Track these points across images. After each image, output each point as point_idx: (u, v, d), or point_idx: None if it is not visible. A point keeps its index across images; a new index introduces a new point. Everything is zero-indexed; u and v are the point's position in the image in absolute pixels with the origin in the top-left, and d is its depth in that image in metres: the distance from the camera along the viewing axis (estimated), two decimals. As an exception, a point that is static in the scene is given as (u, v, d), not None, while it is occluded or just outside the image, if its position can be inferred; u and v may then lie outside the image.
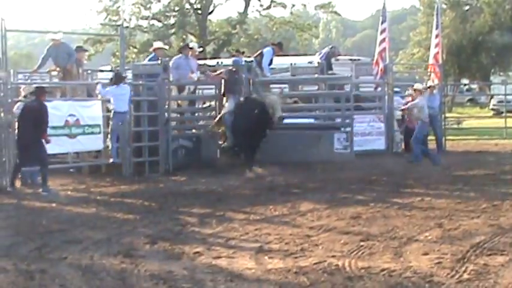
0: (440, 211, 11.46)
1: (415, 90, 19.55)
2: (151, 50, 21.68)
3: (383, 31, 22.04)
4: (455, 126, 30.08)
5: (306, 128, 19.21)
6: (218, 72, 18.70)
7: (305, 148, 18.17)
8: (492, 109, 42.32)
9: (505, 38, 53.38)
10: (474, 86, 58.96)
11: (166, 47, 27.81)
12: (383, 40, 21.91)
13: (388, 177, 15.81)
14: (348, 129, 19.03)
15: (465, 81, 56.04)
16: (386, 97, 21.43)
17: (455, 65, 52.25)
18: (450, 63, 50.09)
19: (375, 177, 15.76)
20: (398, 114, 21.45)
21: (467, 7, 58.32)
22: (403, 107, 20.41)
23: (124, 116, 16.43)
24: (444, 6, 53.80)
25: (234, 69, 17.97)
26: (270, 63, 19.86)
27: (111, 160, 16.59)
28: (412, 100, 19.83)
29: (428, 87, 21.97)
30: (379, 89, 21.70)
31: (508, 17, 54.35)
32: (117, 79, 16.45)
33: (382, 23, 22.16)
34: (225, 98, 17.79)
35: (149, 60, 19.74)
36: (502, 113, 31.59)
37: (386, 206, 12.02)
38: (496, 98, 41.46)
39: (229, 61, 19.89)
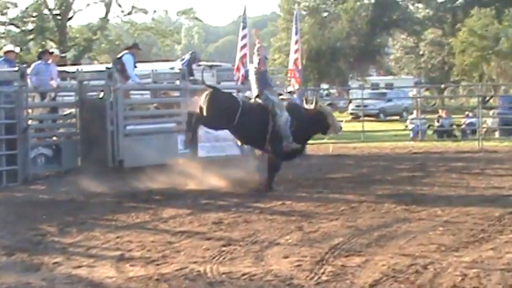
0: (301, 214, 11.66)
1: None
2: (1, 53, 21.07)
3: (244, 37, 22.20)
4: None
5: (156, 132, 19.22)
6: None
7: (156, 151, 18.18)
8: (351, 113, 43.37)
9: (362, 44, 54.99)
10: (333, 91, 60.33)
11: (17, 49, 27.01)
12: (244, 46, 22.08)
13: (248, 182, 15.90)
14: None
15: (324, 86, 57.22)
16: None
17: (314, 71, 53.27)
18: (310, 68, 51.03)
19: (237, 182, 15.80)
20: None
21: (325, 14, 59.65)
22: None
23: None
24: (303, 12, 54.89)
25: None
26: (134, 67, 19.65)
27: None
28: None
29: (289, 93, 22.41)
30: (241, 94, 21.87)
31: (364, 24, 55.97)
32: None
33: (243, 28, 22.32)
34: None
35: (-1, 63, 19.14)
36: (360, 117, 32.46)
37: (248, 211, 12.13)
38: (354, 103, 42.54)
39: (91, 67, 19.35)
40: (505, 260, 8.20)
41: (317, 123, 15.16)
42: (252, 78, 15.77)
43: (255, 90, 15.49)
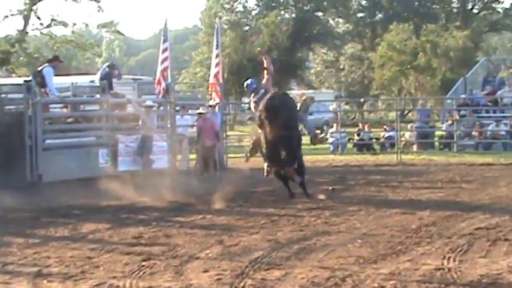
0: (221, 228, 11.69)
1: (146, 107, 20.14)
2: None
3: (165, 50, 22.11)
4: (237, 144, 30.77)
5: (77, 146, 19.09)
6: None
7: (77, 165, 18.04)
8: (272, 127, 43.53)
9: (283, 58, 55.34)
10: (255, 105, 60.52)
11: None
12: (165, 59, 21.99)
13: (170, 196, 15.86)
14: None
15: (246, 99, 57.37)
16: (169, 116, 21.61)
17: (236, 84, 53.27)
18: (231, 82, 51.13)
19: (158, 196, 15.73)
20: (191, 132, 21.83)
21: (246, 27, 59.93)
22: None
23: None
24: (225, 26, 55.04)
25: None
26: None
27: None
28: (204, 120, 20.52)
29: (210, 106, 22.46)
30: (162, 108, 21.79)
31: (285, 38, 56.39)
32: None
33: (163, 42, 22.25)
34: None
35: None
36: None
37: (168, 225, 12.09)
38: (276, 116, 42.71)
39: (9, 80, 18.98)
40: (421, 271, 8.34)
41: None
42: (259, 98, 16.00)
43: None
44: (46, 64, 19.37)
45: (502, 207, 13.29)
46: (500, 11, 65.30)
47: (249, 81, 16.77)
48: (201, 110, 21.13)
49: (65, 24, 46.21)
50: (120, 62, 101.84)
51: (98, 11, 45.94)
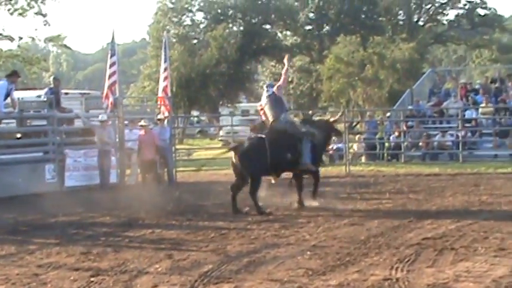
0: (171, 242, 11.65)
1: (101, 121, 20.15)
2: None
3: (112, 64, 22.04)
4: (186, 157, 30.72)
5: (24, 162, 18.95)
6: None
7: (23, 181, 17.92)
8: (221, 140, 43.63)
9: (232, 71, 55.49)
10: (203, 118, 60.56)
11: None
12: (113, 73, 21.91)
13: (120, 210, 15.78)
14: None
15: (195, 113, 57.40)
16: (117, 130, 21.53)
17: (185, 98, 53.37)
18: (180, 95, 51.11)
19: (107, 211, 15.66)
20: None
21: (195, 41, 59.98)
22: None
23: None
24: (173, 39, 55.01)
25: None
26: (7, 97, 19.16)
27: None
28: (145, 133, 20.39)
29: (158, 120, 22.42)
30: (110, 122, 21.68)
31: (234, 51, 56.53)
32: None
33: (111, 56, 22.16)
34: None
35: None
36: (230, 143, 32.63)
37: (117, 240, 12.02)
38: (225, 129, 42.81)
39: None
40: (369, 282, 8.41)
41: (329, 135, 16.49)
42: (266, 102, 15.90)
43: (272, 115, 15.65)
44: (4, 78, 19.36)
45: (449, 217, 13.44)
46: (445, 23, 66.39)
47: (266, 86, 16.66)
48: (142, 123, 21.05)
49: (11, 39, 45.68)
50: (68, 76, 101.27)
51: (45, 25, 45.43)
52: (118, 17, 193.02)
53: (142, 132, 20.85)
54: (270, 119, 15.75)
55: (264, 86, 16.71)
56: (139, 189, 19.79)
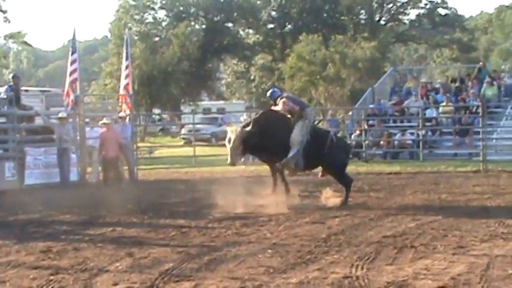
0: (131, 240, 11.58)
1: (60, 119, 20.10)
2: None
3: (73, 62, 21.92)
4: (147, 155, 30.63)
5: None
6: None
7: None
8: (183, 138, 43.57)
9: (194, 69, 55.41)
10: (165, 116, 60.41)
11: None
12: (74, 71, 21.80)
13: (80, 208, 15.70)
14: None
15: (157, 111, 57.25)
16: (78, 128, 21.42)
17: (146, 95, 53.20)
18: (142, 93, 50.95)
19: (67, 209, 15.56)
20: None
21: (157, 38, 59.79)
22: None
23: None
24: (135, 37, 54.77)
25: None
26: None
27: None
28: (108, 130, 20.29)
29: (120, 118, 22.32)
30: (71, 120, 21.54)
31: (196, 49, 56.45)
32: None
33: (72, 53, 22.04)
34: None
35: None
36: (192, 142, 32.60)
37: (78, 238, 11.93)
38: (186, 128, 42.76)
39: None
40: (330, 280, 8.44)
41: None
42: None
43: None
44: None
45: (409, 215, 13.55)
46: (406, 22, 66.94)
47: (271, 91, 16.64)
48: (105, 120, 20.90)
49: (-30, 36, 45.33)
50: (28, 74, 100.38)
51: (5, 21, 45.11)
52: (79, 14, 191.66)
53: (104, 129, 20.70)
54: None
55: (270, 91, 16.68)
56: (100, 187, 19.71)
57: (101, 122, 21.11)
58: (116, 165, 20.67)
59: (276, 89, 16.76)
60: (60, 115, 20.24)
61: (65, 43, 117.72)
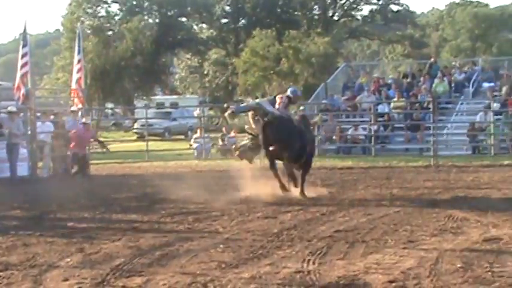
0: (82, 236, 11.47)
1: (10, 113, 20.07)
2: None
3: (24, 55, 21.67)
4: (100, 150, 30.37)
5: None
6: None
7: None
8: (136, 132, 43.37)
9: (147, 64, 55.09)
10: (118, 110, 60.01)
11: None
12: (25, 64, 21.55)
13: (31, 204, 15.53)
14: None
15: (109, 105, 56.81)
16: (29, 122, 21.20)
17: (99, 90, 52.67)
18: (94, 87, 50.43)
19: (17, 204, 15.39)
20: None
21: (110, 32, 59.31)
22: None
23: None
24: (87, 31, 54.25)
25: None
26: None
27: None
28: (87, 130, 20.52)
29: (72, 112, 22.16)
30: (22, 114, 21.31)
31: (149, 43, 56.13)
32: None
33: (23, 46, 21.78)
34: None
35: None
36: (145, 136, 32.46)
37: (28, 234, 11.77)
38: (139, 122, 42.54)
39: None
40: (282, 274, 8.46)
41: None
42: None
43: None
44: None
45: (360, 210, 13.64)
46: (359, 18, 67.36)
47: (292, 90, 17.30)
48: (84, 120, 21.13)
49: None
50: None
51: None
52: (31, 7, 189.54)
53: (81, 126, 20.88)
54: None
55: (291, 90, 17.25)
56: (51, 182, 19.53)
57: (80, 122, 21.26)
58: (85, 162, 20.88)
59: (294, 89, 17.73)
60: (9, 109, 20.01)
61: (16, 36, 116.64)
